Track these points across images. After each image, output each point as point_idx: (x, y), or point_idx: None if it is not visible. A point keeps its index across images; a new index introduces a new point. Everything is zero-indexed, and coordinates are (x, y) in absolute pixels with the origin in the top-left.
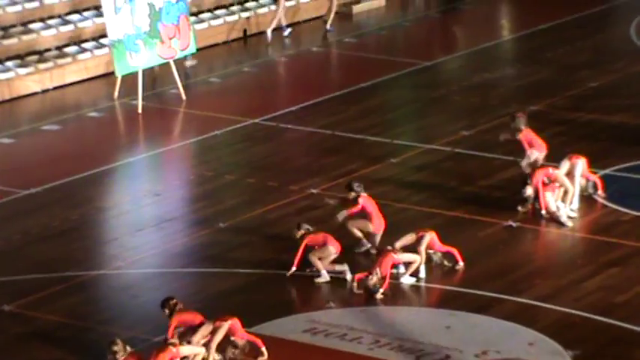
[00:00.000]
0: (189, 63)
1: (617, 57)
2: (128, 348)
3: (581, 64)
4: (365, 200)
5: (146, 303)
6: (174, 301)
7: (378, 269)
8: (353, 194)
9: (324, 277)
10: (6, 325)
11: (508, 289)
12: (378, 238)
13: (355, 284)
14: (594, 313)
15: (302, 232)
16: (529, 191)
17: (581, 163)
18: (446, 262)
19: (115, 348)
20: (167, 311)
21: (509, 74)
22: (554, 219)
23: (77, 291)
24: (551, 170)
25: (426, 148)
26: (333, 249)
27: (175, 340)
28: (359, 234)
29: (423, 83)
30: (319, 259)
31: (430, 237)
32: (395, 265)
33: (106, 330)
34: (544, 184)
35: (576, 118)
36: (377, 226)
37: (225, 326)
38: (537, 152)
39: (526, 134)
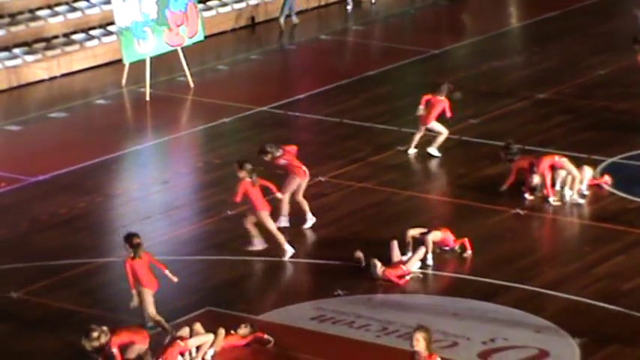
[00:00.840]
0: (295, 20)
1: (626, 45)
2: (105, 328)
3: (590, 51)
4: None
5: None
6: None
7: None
8: (269, 156)
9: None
10: (14, 312)
11: (515, 277)
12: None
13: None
14: (601, 300)
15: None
16: (536, 179)
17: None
18: (456, 248)
19: (95, 334)
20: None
21: (517, 62)
22: (562, 202)
23: (85, 278)
24: (557, 158)
25: (433, 136)
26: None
27: (184, 333)
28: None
29: (431, 71)
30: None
31: (442, 235)
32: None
33: (114, 317)
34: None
35: (584, 106)
36: (301, 175)
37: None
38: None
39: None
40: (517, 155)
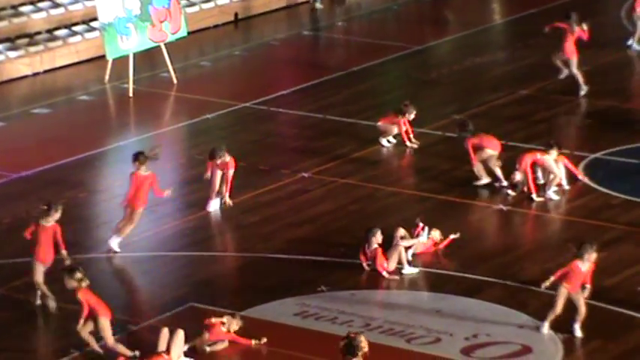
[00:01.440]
0: (318, 5)
1: (608, 41)
2: (85, 279)
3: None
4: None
5: (137, 286)
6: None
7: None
8: (219, 160)
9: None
10: None
11: (498, 273)
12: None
13: None
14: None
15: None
16: (518, 176)
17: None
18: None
19: (79, 275)
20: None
21: (500, 58)
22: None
23: None
24: (539, 155)
25: (417, 132)
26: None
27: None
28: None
29: (414, 67)
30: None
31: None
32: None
33: None
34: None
35: (566, 102)
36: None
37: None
38: (491, 151)
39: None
40: (470, 133)
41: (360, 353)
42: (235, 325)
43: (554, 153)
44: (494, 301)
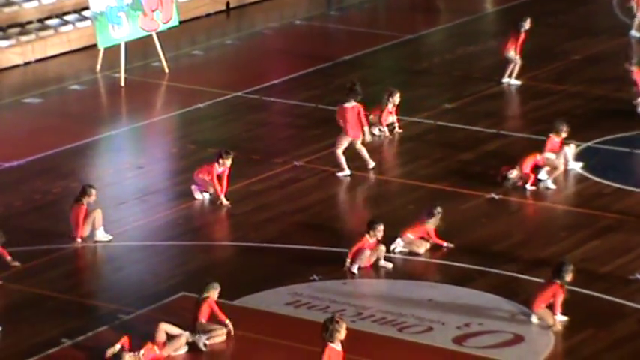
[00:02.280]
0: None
1: (600, 30)
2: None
3: (564, 37)
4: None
5: (129, 275)
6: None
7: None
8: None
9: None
10: None
11: (490, 262)
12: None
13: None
14: (576, 285)
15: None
16: (514, 174)
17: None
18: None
19: (94, 191)
20: None
21: (492, 47)
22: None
23: (60, 264)
24: (539, 157)
25: (408, 121)
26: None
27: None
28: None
29: (406, 56)
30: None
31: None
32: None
33: (90, 302)
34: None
35: (559, 91)
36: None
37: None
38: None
39: None
40: (359, 96)
41: (335, 339)
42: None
43: (563, 134)
44: (486, 289)
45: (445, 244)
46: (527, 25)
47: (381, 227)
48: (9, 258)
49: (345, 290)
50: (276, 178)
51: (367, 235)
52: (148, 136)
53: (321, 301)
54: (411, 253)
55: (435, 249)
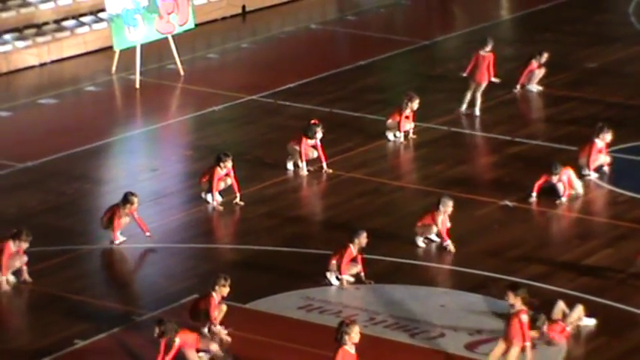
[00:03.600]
0: None
1: (616, 38)
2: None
3: (580, 44)
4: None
5: (142, 277)
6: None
7: None
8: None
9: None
10: (1, 298)
11: (503, 269)
12: None
13: None
14: (588, 293)
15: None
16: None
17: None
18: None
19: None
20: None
21: (508, 54)
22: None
23: (73, 265)
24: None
25: (423, 127)
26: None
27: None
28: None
29: (421, 62)
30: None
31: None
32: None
33: (102, 304)
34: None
35: (574, 99)
36: None
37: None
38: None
39: None
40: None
41: (347, 341)
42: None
43: (607, 137)
44: (499, 296)
45: (447, 242)
46: (489, 47)
47: (364, 235)
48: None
49: (357, 295)
50: (290, 182)
51: (351, 245)
52: (163, 138)
53: (334, 306)
54: (428, 239)
55: (446, 255)
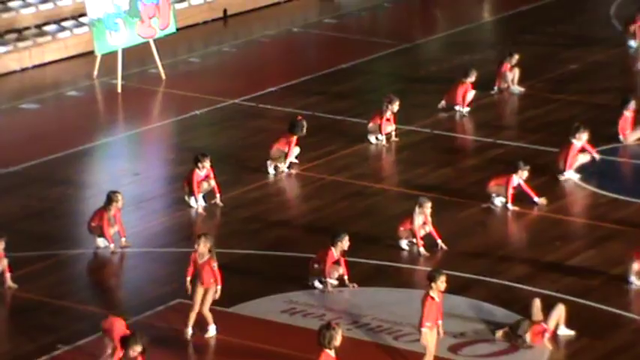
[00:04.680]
0: None
1: (598, 39)
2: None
3: (562, 46)
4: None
5: (125, 282)
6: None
7: None
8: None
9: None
10: None
11: (486, 271)
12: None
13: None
14: (572, 294)
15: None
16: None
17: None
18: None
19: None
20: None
21: (490, 56)
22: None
23: (55, 270)
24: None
25: (405, 130)
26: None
27: None
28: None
29: (403, 65)
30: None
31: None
32: None
33: (84, 309)
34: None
35: (556, 100)
36: None
37: None
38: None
39: None
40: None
41: (330, 345)
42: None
43: (583, 137)
44: (482, 298)
45: (439, 241)
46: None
47: (346, 239)
48: (8, 281)
49: (340, 298)
50: (273, 186)
51: (332, 248)
52: (145, 142)
53: (317, 310)
54: (411, 242)
55: (428, 257)
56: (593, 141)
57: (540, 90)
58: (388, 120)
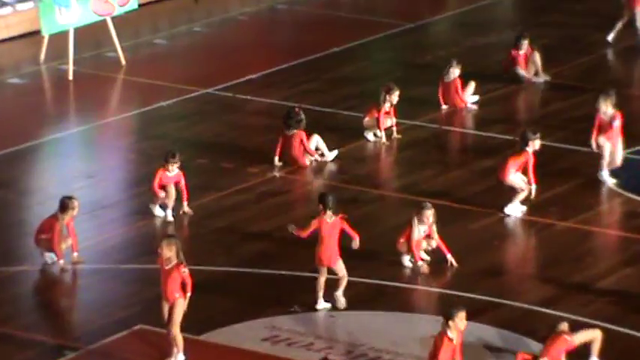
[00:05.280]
0: None
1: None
2: None
3: (595, 26)
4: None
5: (76, 305)
6: None
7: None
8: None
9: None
10: None
11: (504, 292)
12: None
13: None
14: (605, 320)
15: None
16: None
17: None
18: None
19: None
20: None
21: (507, 38)
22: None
23: None
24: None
25: (408, 125)
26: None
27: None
28: None
29: (407, 48)
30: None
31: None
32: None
33: (29, 337)
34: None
35: (584, 91)
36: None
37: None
38: None
39: None
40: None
41: None
42: None
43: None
44: (499, 325)
45: (448, 256)
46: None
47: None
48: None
49: (332, 324)
50: (252, 191)
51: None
52: (101, 139)
53: (304, 337)
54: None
55: (436, 276)
56: (630, 139)
57: (568, 78)
58: (387, 113)
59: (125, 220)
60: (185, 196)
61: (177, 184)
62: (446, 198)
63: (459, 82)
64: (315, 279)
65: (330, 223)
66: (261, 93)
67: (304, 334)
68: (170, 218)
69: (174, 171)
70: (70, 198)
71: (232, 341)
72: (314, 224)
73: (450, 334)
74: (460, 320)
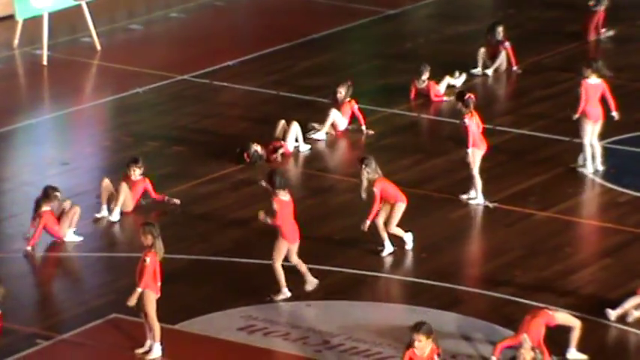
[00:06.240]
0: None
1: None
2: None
3: (573, 15)
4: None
5: (49, 293)
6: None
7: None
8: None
9: None
10: None
11: (483, 282)
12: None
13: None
14: (584, 311)
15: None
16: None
17: None
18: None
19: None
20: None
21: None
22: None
23: None
24: None
25: (388, 113)
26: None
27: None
28: None
29: (386, 35)
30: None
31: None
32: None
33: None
34: None
35: (566, 80)
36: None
37: None
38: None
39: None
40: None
41: None
42: None
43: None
44: (478, 315)
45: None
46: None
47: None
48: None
49: (308, 314)
50: (229, 179)
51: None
52: (75, 126)
53: (281, 327)
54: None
55: (415, 266)
56: (611, 129)
57: (548, 67)
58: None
59: (99, 208)
60: (162, 198)
61: (148, 192)
62: (425, 187)
63: (432, 85)
64: (293, 269)
65: (287, 201)
66: (238, 80)
67: (281, 324)
68: (115, 218)
69: (137, 177)
70: (53, 188)
71: (208, 331)
72: (277, 207)
73: (417, 351)
74: (418, 342)
